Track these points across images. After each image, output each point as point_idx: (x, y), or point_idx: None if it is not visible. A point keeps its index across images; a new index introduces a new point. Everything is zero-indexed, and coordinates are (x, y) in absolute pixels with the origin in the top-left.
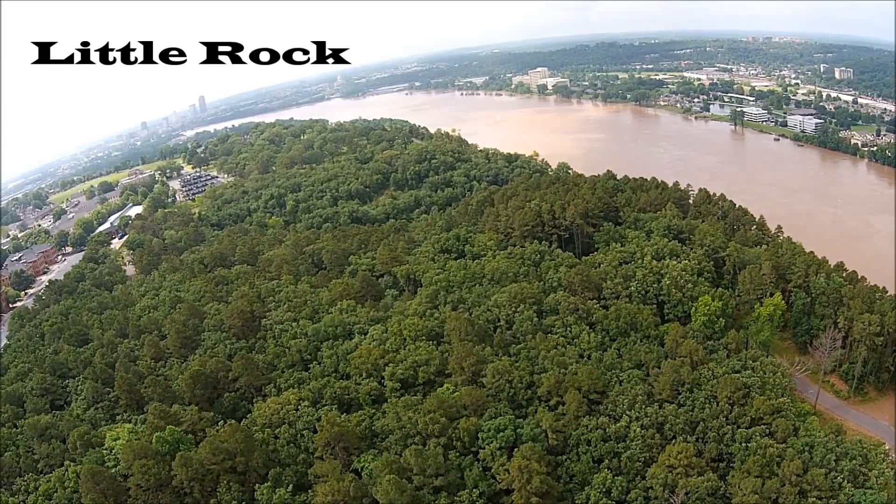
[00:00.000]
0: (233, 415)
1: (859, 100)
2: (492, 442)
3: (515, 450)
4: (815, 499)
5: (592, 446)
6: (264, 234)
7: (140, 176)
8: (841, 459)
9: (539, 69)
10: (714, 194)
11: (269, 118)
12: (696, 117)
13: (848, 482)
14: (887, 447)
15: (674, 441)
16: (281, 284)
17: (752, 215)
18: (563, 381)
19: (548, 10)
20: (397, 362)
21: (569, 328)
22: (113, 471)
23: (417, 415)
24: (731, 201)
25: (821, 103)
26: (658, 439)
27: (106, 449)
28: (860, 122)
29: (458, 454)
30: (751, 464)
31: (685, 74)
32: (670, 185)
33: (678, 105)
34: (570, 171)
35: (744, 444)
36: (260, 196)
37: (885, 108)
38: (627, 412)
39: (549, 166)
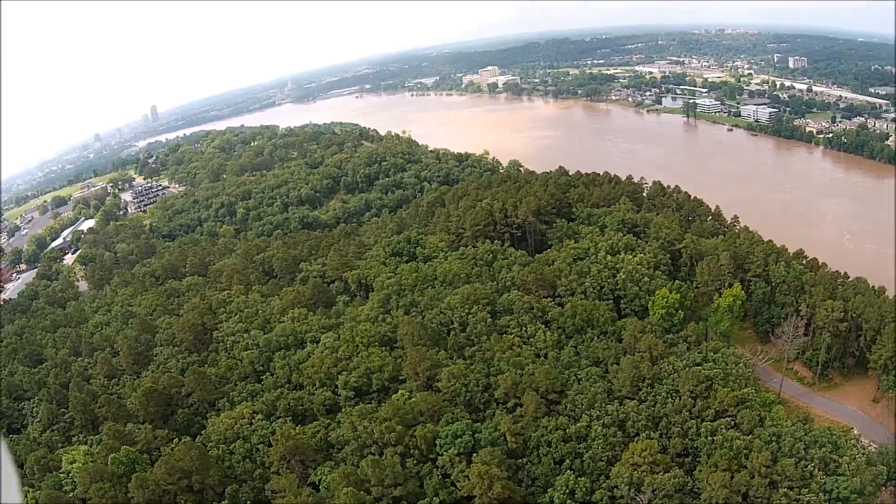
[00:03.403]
0: (187, 431)
1: (814, 88)
2: (450, 448)
3: (474, 455)
4: (786, 489)
5: (553, 447)
6: (215, 243)
7: (92, 189)
8: (810, 448)
9: (489, 68)
10: (668, 186)
11: (221, 126)
12: (647, 110)
13: (819, 470)
14: (856, 432)
15: (637, 438)
16: (232, 295)
17: (707, 206)
18: (520, 383)
19: (499, 10)
20: (350, 370)
21: (524, 328)
22: (71, 495)
23: (373, 423)
24: (685, 193)
25: (774, 92)
26: (620, 437)
27: (63, 473)
28: (815, 110)
29: (415, 462)
30: (718, 457)
31: (637, 68)
32: (623, 179)
33: (630, 99)
34: (521, 169)
35: (709, 438)
36: (210, 205)
37: (841, 96)
38: (587, 411)
39: (500, 165)
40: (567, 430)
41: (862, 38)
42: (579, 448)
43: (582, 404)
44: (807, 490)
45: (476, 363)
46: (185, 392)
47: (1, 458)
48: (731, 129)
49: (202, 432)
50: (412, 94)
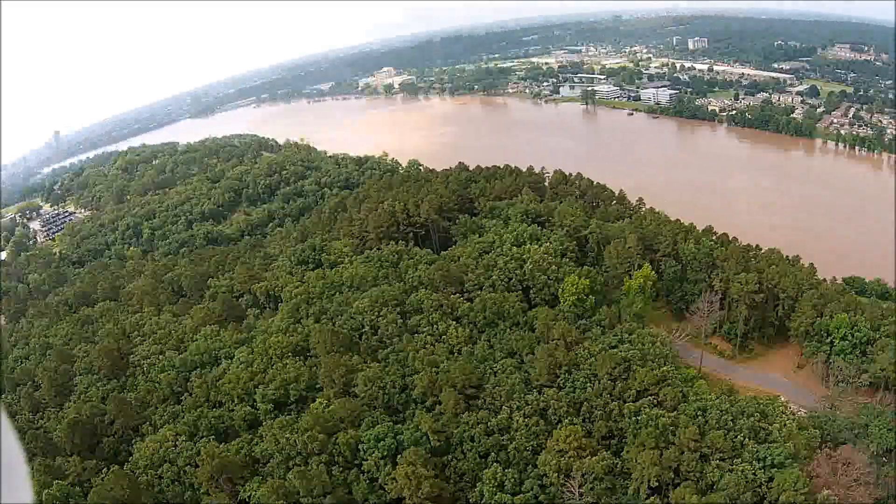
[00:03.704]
0: (115, 459)
1: (715, 67)
2: (374, 452)
3: (399, 456)
4: (717, 461)
5: (477, 442)
6: (124, 266)
7: (1, 220)
8: (738, 418)
9: (385, 69)
10: (570, 174)
11: (123, 146)
12: (546, 101)
13: (749, 439)
14: (784, 399)
15: (560, 425)
16: (144, 317)
17: (611, 191)
18: (436, 381)
19: (396, 10)
20: (267, 383)
21: (435, 325)
22: None
23: (295, 434)
24: (588, 179)
25: (675, 75)
26: (543, 426)
27: None
28: (717, 89)
29: (341, 469)
30: (644, 436)
31: (533, 60)
32: (524, 170)
33: (527, 91)
34: (420, 168)
35: (633, 418)
36: (116, 228)
37: (743, 73)
38: (507, 403)
39: (400, 165)
40: (489, 424)
41: (765, 16)
42: (503, 440)
43: (501, 396)
44: (739, 460)
45: (391, 365)
46: (108, 420)
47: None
48: (632, 114)
49: (129, 459)
50: (309, 101)
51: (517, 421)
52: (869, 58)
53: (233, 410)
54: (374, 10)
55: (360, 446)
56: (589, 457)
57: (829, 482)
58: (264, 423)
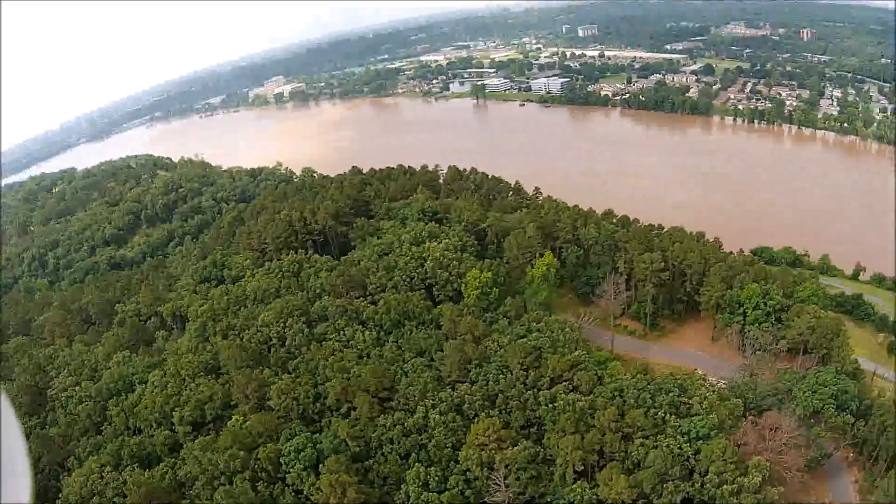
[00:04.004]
0: (45, 498)
1: (606, 53)
2: (295, 464)
3: (321, 466)
4: (641, 439)
5: (396, 444)
6: (32, 299)
7: None
8: (656, 395)
9: (275, 78)
10: (464, 170)
11: (24, 176)
12: (436, 98)
13: (671, 415)
14: (701, 373)
15: (476, 419)
16: (57, 349)
17: (507, 182)
18: (348, 387)
19: (281, 19)
20: (182, 404)
21: (341, 332)
22: None
23: (216, 454)
24: (483, 173)
25: (566, 63)
26: (460, 421)
27: None
28: (609, 74)
29: (266, 485)
30: (564, 422)
31: (422, 59)
32: (418, 169)
33: (417, 89)
34: (314, 175)
35: (550, 405)
36: (22, 260)
37: (635, 56)
38: (421, 402)
39: (294, 174)
40: (406, 424)
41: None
42: (422, 439)
43: (414, 396)
44: (663, 436)
45: (302, 375)
46: (33, 458)
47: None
48: (524, 105)
49: (59, 496)
50: (200, 116)
51: (434, 419)
52: (765, 33)
53: (153, 436)
54: (271, 18)
55: (281, 459)
56: (510, 447)
57: (759, 448)
58: (185, 446)
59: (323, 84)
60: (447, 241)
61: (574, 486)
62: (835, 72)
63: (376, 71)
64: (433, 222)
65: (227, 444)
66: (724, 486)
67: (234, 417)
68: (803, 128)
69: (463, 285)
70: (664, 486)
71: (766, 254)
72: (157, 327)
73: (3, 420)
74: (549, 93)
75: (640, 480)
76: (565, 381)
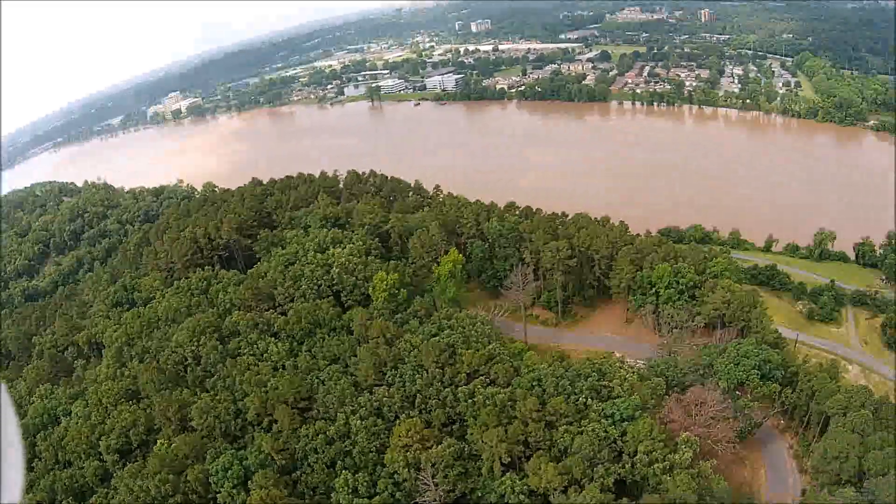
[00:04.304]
0: None
1: (500, 46)
2: (224, 482)
3: (250, 482)
4: (565, 426)
5: (321, 453)
6: None
7: None
8: (576, 381)
9: (172, 94)
10: (363, 173)
11: None
12: (331, 104)
13: (592, 399)
14: (619, 355)
15: (397, 421)
16: None
17: (406, 183)
18: (267, 400)
19: (183, 34)
20: (108, 433)
21: (255, 345)
22: None
23: (146, 481)
24: (382, 175)
25: (459, 59)
26: (381, 424)
27: None
28: (504, 67)
29: None
30: (485, 416)
31: (316, 64)
32: (318, 175)
33: (312, 96)
34: (216, 189)
35: (469, 401)
36: None
37: (530, 48)
38: (341, 409)
39: (196, 189)
40: (328, 433)
41: None
42: (345, 446)
43: (333, 404)
44: (587, 421)
45: (220, 392)
46: None
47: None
48: (419, 104)
49: None
50: (101, 139)
51: (355, 425)
52: (661, 17)
53: (83, 468)
54: (166, 36)
55: (210, 479)
56: (434, 446)
57: (686, 425)
58: (115, 475)
59: (219, 97)
60: (351, 245)
61: (503, 478)
62: (735, 50)
63: (271, 80)
64: (336, 228)
65: (155, 469)
66: (656, 465)
67: (158, 442)
68: (704, 107)
69: (370, 288)
70: (594, 470)
71: (674, 233)
72: (75, 357)
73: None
74: (444, 90)
75: (569, 467)
76: (482, 375)
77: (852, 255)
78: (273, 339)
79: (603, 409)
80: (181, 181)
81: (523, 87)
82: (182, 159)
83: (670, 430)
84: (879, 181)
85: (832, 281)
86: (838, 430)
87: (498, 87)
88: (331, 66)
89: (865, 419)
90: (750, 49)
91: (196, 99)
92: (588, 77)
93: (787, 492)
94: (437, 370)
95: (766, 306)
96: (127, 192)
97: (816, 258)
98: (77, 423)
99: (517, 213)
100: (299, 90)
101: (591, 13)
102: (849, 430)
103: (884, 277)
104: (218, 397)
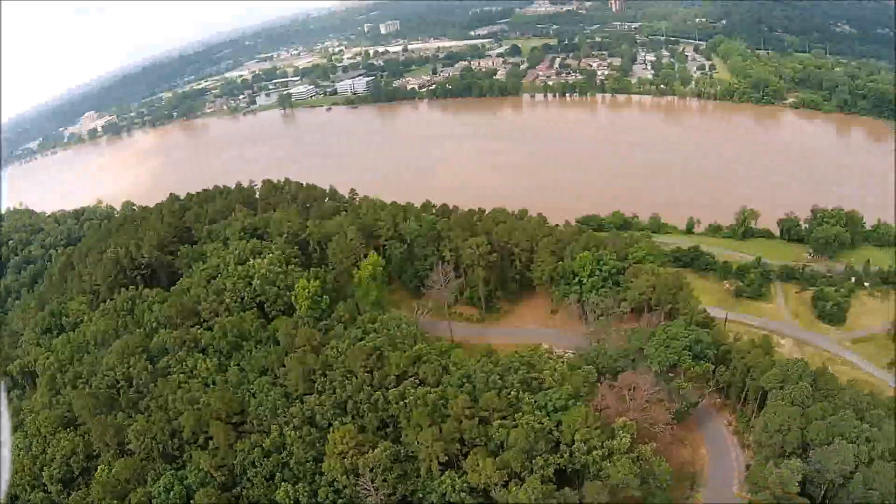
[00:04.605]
0: None
1: (410, 47)
2: None
3: (192, 501)
4: (499, 420)
5: (259, 466)
6: None
7: None
8: (505, 375)
9: (87, 114)
10: (279, 181)
11: None
12: (244, 114)
13: (524, 392)
14: (546, 346)
15: (331, 429)
16: None
17: (322, 189)
18: (201, 417)
19: (99, 49)
20: (49, 463)
21: (183, 363)
22: None
23: None
24: (297, 182)
25: (369, 62)
26: (316, 433)
27: None
28: (414, 67)
29: None
30: (417, 417)
31: (227, 75)
32: (234, 187)
33: (225, 107)
34: (135, 208)
35: (401, 403)
36: None
37: (439, 47)
38: (274, 421)
39: (115, 209)
40: (264, 446)
41: None
42: (282, 458)
43: (266, 416)
44: (520, 414)
45: (154, 413)
46: None
47: None
48: (330, 109)
49: None
50: (21, 163)
51: (289, 435)
52: (571, 8)
53: (28, 500)
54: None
55: (153, 502)
56: (370, 451)
57: (622, 410)
58: None
59: (134, 114)
60: (271, 255)
61: (443, 477)
62: (647, 37)
63: (183, 93)
64: (255, 239)
65: (99, 497)
66: (594, 452)
67: (100, 468)
68: (617, 95)
69: (293, 297)
70: (533, 462)
71: (593, 222)
72: (11, 387)
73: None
74: (355, 93)
75: (507, 461)
76: (411, 376)
77: (777, 232)
78: (201, 355)
79: (535, 401)
80: (100, 202)
81: (434, 86)
82: (100, 179)
83: (606, 417)
84: (800, 157)
85: (758, 258)
86: (777, 404)
87: (409, 87)
88: (242, 75)
89: (804, 391)
90: (662, 35)
91: (111, 117)
92: (499, 72)
93: (731, 467)
94: (366, 374)
95: (693, 287)
96: (49, 216)
97: (740, 237)
98: (19, 455)
99: (434, 211)
100: (212, 102)
101: (501, 8)
102: (788, 403)
103: (811, 251)
104: (153, 418)
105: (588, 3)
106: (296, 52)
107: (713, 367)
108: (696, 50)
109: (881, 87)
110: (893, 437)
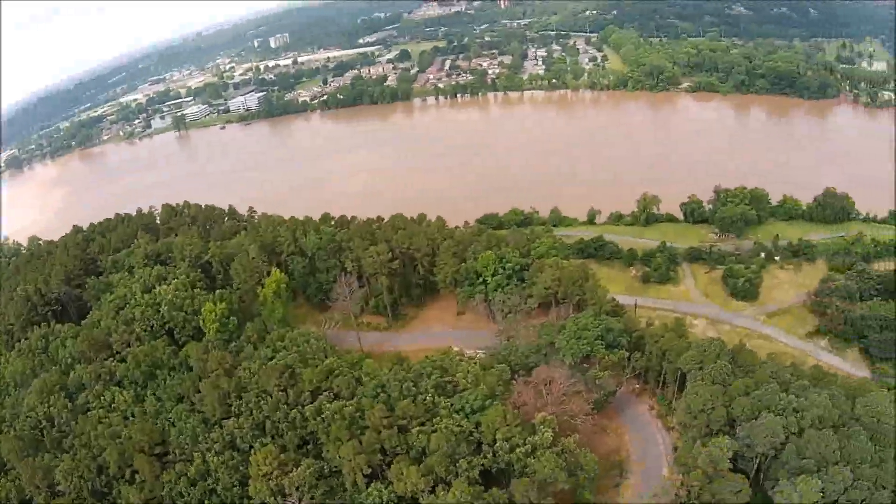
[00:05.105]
0: None
1: (300, 59)
2: None
3: None
4: (418, 426)
5: (187, 496)
6: None
7: None
8: (419, 381)
9: None
10: (178, 205)
11: None
12: (140, 138)
13: (439, 396)
14: (457, 348)
15: (252, 451)
16: None
17: (221, 209)
18: (125, 451)
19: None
20: None
21: (101, 397)
22: None
23: None
24: (197, 205)
25: (260, 77)
26: (238, 457)
27: None
28: (304, 79)
29: None
30: (336, 431)
31: (122, 100)
32: (134, 214)
33: (121, 133)
34: (41, 243)
35: (318, 418)
36: None
37: (328, 57)
38: (195, 448)
39: (22, 245)
40: (189, 475)
41: None
42: (208, 485)
43: (187, 444)
44: (438, 418)
45: (79, 451)
46: None
47: None
48: (224, 127)
49: None
50: None
51: (213, 461)
52: (459, 9)
53: None
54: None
55: None
56: (294, 469)
57: (540, 405)
58: None
59: (33, 146)
60: (176, 280)
61: (369, 489)
62: (537, 33)
63: (80, 122)
64: (159, 265)
65: None
66: (518, 450)
67: None
68: (509, 92)
69: (201, 321)
70: (457, 465)
71: (493, 221)
72: None
73: None
74: (247, 110)
75: (431, 466)
76: (325, 390)
77: (681, 216)
78: (117, 387)
79: (452, 405)
80: (7, 239)
81: (325, 97)
82: (6, 215)
83: (525, 414)
84: (698, 140)
85: (663, 242)
86: (698, 384)
87: (300, 99)
88: (136, 99)
89: (724, 369)
90: (553, 30)
91: (12, 151)
92: (389, 78)
93: (658, 451)
94: (281, 393)
95: (599, 277)
96: None
97: (644, 223)
98: None
99: (333, 223)
100: (108, 129)
101: (388, 14)
102: (709, 383)
103: (716, 231)
104: (78, 456)
105: (476, 3)
106: (188, 72)
107: (628, 354)
108: (587, 42)
109: (779, 65)
110: (822, 405)
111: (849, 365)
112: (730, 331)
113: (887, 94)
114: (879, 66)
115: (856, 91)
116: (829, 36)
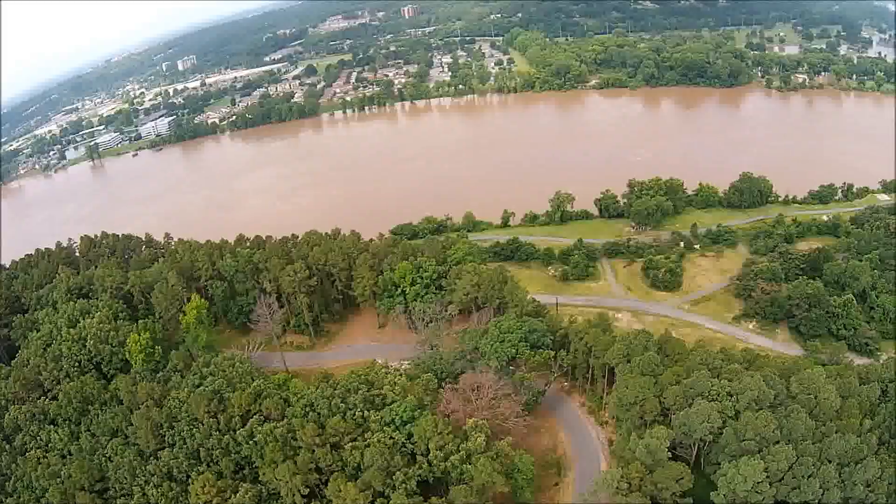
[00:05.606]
0: None
1: (207, 80)
2: None
3: None
4: (350, 442)
5: None
6: None
7: None
8: (347, 397)
9: None
10: (96, 236)
11: None
12: (56, 170)
13: (368, 410)
14: (381, 361)
15: (190, 480)
16: None
17: (138, 237)
18: (66, 490)
19: None
20: None
21: (37, 437)
22: None
23: None
24: (114, 235)
25: (170, 101)
26: (177, 487)
27: None
28: (213, 101)
29: None
30: (270, 453)
31: (37, 132)
32: (54, 248)
33: (37, 166)
34: None
35: (251, 442)
36: None
37: (235, 77)
38: (134, 483)
39: None
40: None
41: (251, 14)
42: None
43: (126, 478)
44: (369, 433)
45: (22, 493)
46: None
47: None
48: (136, 154)
49: None
50: None
51: (152, 494)
52: (364, 21)
53: None
54: None
55: None
56: (232, 496)
57: (469, 411)
58: None
59: None
60: (99, 313)
61: None
62: (441, 40)
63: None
64: (81, 298)
65: None
66: (452, 457)
67: None
68: (416, 101)
69: (126, 353)
70: (393, 478)
71: (407, 230)
72: None
73: None
74: (158, 135)
75: (368, 481)
76: (255, 413)
77: (596, 212)
78: (52, 426)
79: (382, 418)
80: None
81: (234, 118)
82: None
83: (456, 421)
84: (608, 135)
85: (580, 239)
86: (627, 377)
87: (210, 121)
88: (51, 131)
89: (652, 360)
90: (458, 36)
91: None
92: (297, 95)
93: (594, 446)
94: (211, 420)
95: (518, 279)
96: None
97: (559, 222)
98: None
99: (249, 244)
100: (24, 162)
101: (294, 30)
102: (638, 374)
103: (633, 224)
104: (21, 499)
105: (380, 14)
106: (99, 100)
107: (553, 353)
108: (493, 46)
109: (688, 56)
110: (756, 387)
111: (780, 345)
112: (655, 322)
113: (801, 77)
114: (791, 49)
115: (768, 76)
116: (739, 24)
